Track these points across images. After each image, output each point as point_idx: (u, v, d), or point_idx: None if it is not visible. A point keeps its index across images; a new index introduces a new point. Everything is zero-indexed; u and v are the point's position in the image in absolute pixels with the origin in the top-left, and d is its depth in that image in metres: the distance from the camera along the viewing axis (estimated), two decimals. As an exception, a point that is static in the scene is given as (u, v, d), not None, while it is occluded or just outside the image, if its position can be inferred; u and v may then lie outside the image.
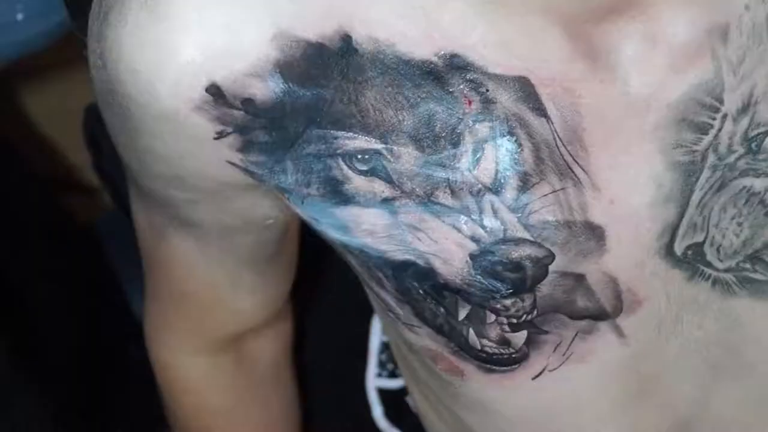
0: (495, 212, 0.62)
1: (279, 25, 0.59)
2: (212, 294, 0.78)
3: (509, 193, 0.62)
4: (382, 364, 0.96)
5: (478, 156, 0.61)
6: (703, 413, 0.71)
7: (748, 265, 0.65)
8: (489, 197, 0.62)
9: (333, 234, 0.65)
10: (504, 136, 0.61)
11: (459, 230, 0.63)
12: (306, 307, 0.94)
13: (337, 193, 0.63)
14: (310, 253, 0.80)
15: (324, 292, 0.97)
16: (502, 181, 0.62)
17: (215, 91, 0.60)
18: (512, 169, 0.62)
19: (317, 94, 0.60)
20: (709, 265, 0.65)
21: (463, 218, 0.62)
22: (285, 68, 0.60)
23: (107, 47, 0.62)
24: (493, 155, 0.61)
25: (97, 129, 1.02)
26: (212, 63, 0.60)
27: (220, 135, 0.62)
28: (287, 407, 0.91)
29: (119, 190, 0.99)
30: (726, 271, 0.65)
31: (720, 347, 0.68)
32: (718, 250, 0.64)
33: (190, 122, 0.61)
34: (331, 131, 0.61)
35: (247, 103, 0.61)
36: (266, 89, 0.60)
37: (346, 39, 0.60)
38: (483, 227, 0.62)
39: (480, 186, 0.62)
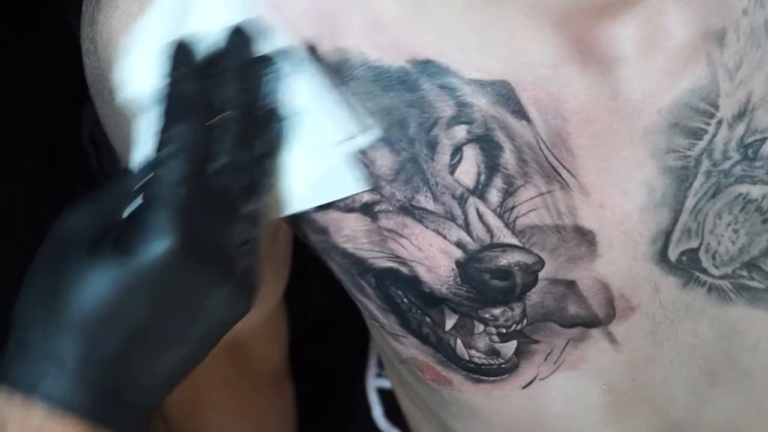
0: (480, 216, 0.62)
1: None
2: None
3: (494, 197, 0.61)
4: (382, 364, 0.95)
5: (457, 158, 0.61)
6: (697, 418, 0.70)
7: (744, 273, 0.64)
8: (473, 200, 0.61)
9: (313, 239, 0.65)
10: (483, 137, 0.61)
11: (444, 236, 0.62)
12: (306, 307, 0.93)
13: None
14: (310, 252, 0.79)
15: (324, 292, 0.97)
16: (485, 183, 0.61)
17: None
18: (494, 170, 0.61)
19: None
20: (704, 271, 0.64)
21: (447, 223, 0.62)
22: None
23: (98, 31, 0.63)
24: (473, 157, 0.61)
25: (96, 129, 1.02)
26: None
27: None
28: (283, 406, 0.91)
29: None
30: (722, 278, 0.64)
31: (716, 354, 0.67)
32: (713, 256, 0.63)
33: None
34: None
35: None
36: None
37: (311, 50, 0.60)
38: (469, 233, 0.62)
39: (462, 189, 0.61)
